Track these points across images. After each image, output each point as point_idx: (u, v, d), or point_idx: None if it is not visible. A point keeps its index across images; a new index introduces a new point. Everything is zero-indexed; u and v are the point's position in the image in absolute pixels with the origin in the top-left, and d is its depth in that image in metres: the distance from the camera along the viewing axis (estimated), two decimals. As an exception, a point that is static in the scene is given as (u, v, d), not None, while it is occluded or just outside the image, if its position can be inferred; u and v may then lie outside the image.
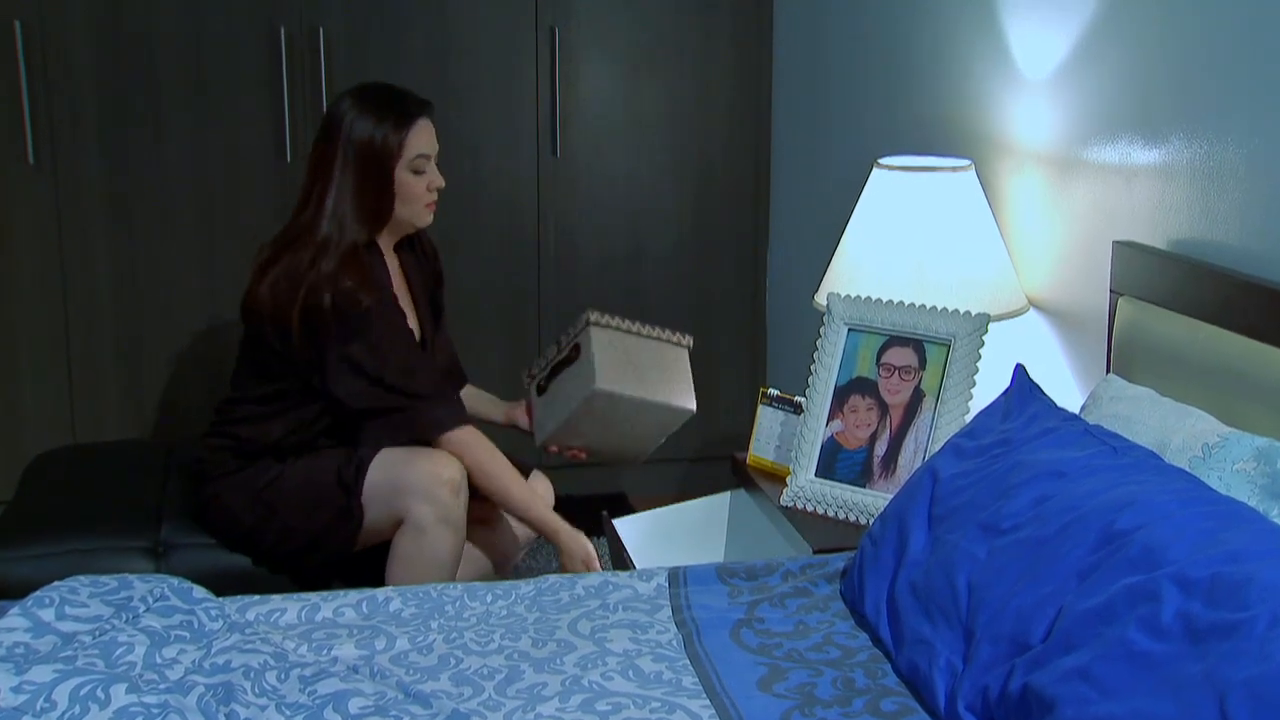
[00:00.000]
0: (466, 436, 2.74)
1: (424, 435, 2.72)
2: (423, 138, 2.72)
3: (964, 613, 1.82)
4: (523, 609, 2.14)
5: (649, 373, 2.92)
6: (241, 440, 2.73)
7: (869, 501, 2.59)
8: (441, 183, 2.77)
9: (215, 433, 2.78)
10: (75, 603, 1.93)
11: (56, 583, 1.98)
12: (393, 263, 2.82)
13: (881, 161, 2.79)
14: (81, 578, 2.01)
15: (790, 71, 4.00)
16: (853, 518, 2.61)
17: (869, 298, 2.69)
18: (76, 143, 3.73)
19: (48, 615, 1.89)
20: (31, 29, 3.63)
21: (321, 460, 2.72)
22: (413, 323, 2.82)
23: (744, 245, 4.19)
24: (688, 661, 1.95)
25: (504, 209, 4.01)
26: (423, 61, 3.88)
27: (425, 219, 2.78)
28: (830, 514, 2.63)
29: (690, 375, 2.99)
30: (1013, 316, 2.70)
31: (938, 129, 3.11)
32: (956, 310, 2.59)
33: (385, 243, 2.80)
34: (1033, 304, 2.76)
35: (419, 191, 2.73)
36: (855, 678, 1.89)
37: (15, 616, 1.88)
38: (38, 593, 1.95)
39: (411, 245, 2.90)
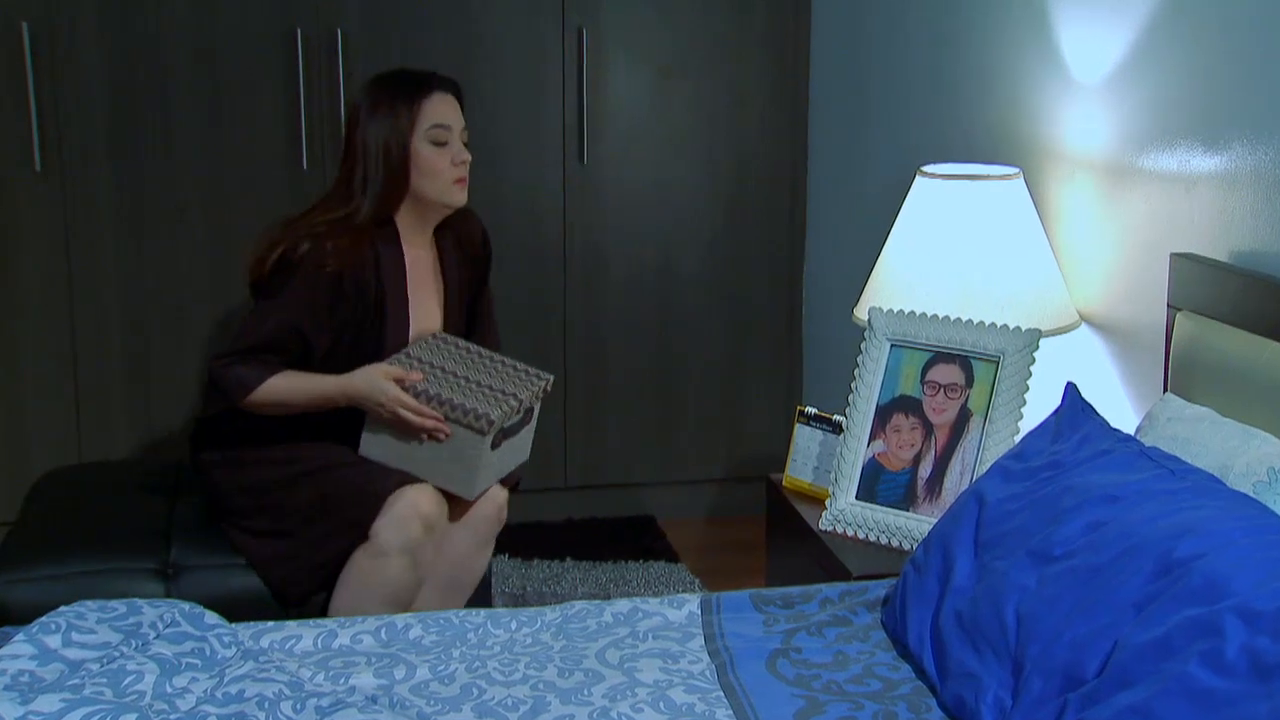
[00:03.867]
0: (269, 392, 2.59)
1: (233, 395, 2.60)
2: (440, 108, 2.66)
3: (1013, 644, 1.79)
4: (548, 637, 2.13)
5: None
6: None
7: (912, 526, 2.56)
8: (467, 156, 2.69)
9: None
10: (83, 629, 1.93)
11: (63, 608, 1.98)
12: (422, 251, 2.75)
13: (925, 169, 2.78)
14: (89, 603, 2.01)
15: (828, 75, 3.98)
16: (895, 543, 2.58)
17: (913, 312, 2.65)
18: (85, 150, 3.69)
19: (54, 642, 1.89)
20: (39, 31, 3.59)
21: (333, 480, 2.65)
22: (434, 316, 2.76)
23: (779, 257, 4.15)
24: (721, 693, 1.92)
25: (529, 218, 3.97)
26: (444, 65, 3.78)
27: (456, 197, 2.70)
28: (871, 539, 2.61)
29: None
30: (1063, 332, 2.67)
31: (984, 135, 3.09)
32: (1006, 325, 2.56)
33: (417, 228, 2.72)
34: (1084, 319, 2.74)
35: (440, 165, 2.65)
36: (898, 712, 1.86)
37: (21, 643, 1.88)
38: (44, 618, 1.95)
39: (459, 239, 2.82)
